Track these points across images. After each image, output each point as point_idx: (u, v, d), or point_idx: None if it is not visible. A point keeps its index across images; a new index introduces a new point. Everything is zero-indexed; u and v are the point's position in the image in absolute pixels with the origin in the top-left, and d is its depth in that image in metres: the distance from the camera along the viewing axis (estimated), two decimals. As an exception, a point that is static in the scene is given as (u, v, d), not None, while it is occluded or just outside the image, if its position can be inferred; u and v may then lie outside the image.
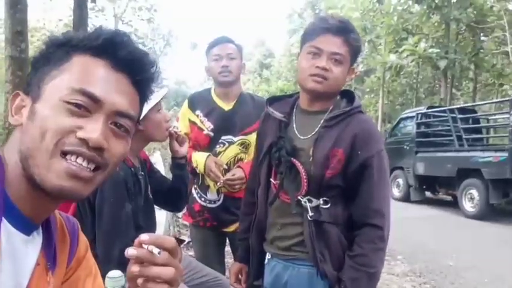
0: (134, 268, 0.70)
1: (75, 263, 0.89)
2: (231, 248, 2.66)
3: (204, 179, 2.47)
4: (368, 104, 22.76)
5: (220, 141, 2.42)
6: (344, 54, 1.54)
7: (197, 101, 2.51)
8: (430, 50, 15.74)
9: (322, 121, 1.58)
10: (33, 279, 0.76)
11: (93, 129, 0.71)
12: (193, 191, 2.52)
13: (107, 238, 1.65)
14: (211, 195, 2.46)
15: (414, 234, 6.69)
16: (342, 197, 1.57)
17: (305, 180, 1.55)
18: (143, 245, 0.70)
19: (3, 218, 0.69)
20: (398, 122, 11.23)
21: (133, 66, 0.78)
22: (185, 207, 2.59)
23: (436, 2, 16.18)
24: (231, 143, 2.42)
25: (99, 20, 27.07)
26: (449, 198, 10.43)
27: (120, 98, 0.76)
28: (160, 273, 0.70)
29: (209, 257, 2.50)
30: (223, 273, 2.63)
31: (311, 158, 1.54)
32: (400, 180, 10.50)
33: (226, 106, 2.46)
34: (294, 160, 1.57)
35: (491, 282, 4.65)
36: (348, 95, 1.69)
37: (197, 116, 2.45)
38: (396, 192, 10.61)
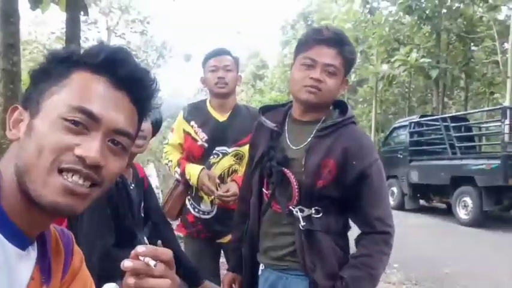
0: (130, 280, 0.69)
1: (70, 276, 0.88)
2: (226, 259, 2.65)
3: (198, 190, 2.46)
4: (361, 113, 22.89)
5: (214, 152, 2.41)
6: (338, 66, 1.54)
7: (192, 112, 2.51)
8: (422, 60, 15.93)
9: (314, 131, 1.58)
10: None
11: (91, 147, 0.71)
12: (187, 202, 2.51)
13: (86, 242, 1.63)
14: (205, 206, 2.44)
15: (409, 242, 6.68)
16: (334, 207, 1.57)
17: (296, 190, 1.54)
18: (140, 257, 0.69)
19: None
20: (392, 131, 11.31)
21: (134, 84, 0.78)
22: (179, 219, 2.59)
23: (427, 12, 16.41)
24: (225, 154, 2.41)
25: (92, 32, 27.14)
26: (443, 206, 10.45)
27: (118, 115, 0.75)
28: (157, 285, 0.70)
29: (204, 269, 2.47)
30: (219, 285, 2.61)
31: (303, 168, 1.53)
32: (395, 189, 10.54)
33: (221, 117, 2.46)
34: (285, 170, 1.56)
35: (487, 289, 4.66)
36: (341, 106, 1.69)
37: (192, 126, 2.45)
38: (391, 201, 10.60)
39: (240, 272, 1.82)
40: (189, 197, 2.51)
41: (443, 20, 16.19)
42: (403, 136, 10.54)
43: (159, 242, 1.96)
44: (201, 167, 2.38)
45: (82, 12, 6.44)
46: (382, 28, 18.56)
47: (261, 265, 1.72)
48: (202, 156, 2.43)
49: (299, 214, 1.54)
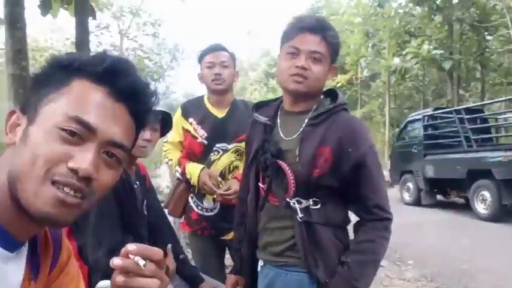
0: (119, 278, 0.69)
1: (58, 269, 0.88)
2: (231, 256, 2.62)
3: (197, 188, 2.44)
4: (374, 108, 22.66)
5: (214, 149, 2.40)
6: (323, 52, 1.53)
7: (190, 109, 2.49)
8: (434, 52, 15.66)
9: (306, 120, 1.56)
10: None
11: (84, 158, 0.70)
12: (190, 200, 2.50)
13: (94, 239, 1.65)
14: (208, 203, 2.43)
15: (426, 238, 6.56)
16: (333, 197, 1.55)
17: (292, 181, 1.51)
18: (130, 255, 0.69)
19: None
20: (406, 126, 11.12)
21: (133, 96, 0.78)
22: (183, 217, 2.57)
23: (438, 3, 16.15)
24: (225, 150, 2.40)
25: (104, 37, 27.49)
26: (461, 200, 10.24)
27: (115, 127, 0.75)
28: (146, 284, 0.70)
29: (209, 266, 2.47)
30: (224, 281, 2.58)
31: (297, 158, 1.51)
32: (410, 184, 10.36)
33: (220, 114, 2.44)
34: (280, 162, 1.54)
35: (506, 285, 4.52)
36: (332, 95, 1.67)
37: (190, 123, 2.43)
38: (407, 196, 10.47)
39: (243, 273, 1.79)
40: (191, 195, 2.50)
41: (455, 10, 15.90)
42: (417, 130, 10.34)
43: (169, 246, 1.95)
44: (201, 166, 2.37)
45: (90, 17, 6.49)
46: (392, 21, 18.33)
47: (260, 261, 1.69)
48: (202, 154, 2.42)
49: (296, 206, 1.52)
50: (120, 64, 0.77)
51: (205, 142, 2.39)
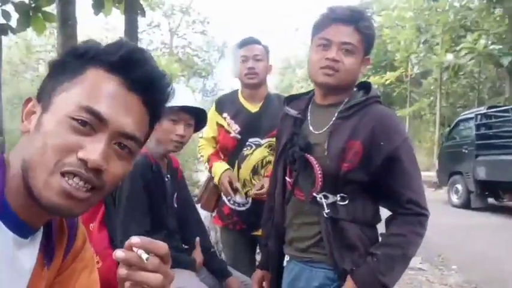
0: (122, 271, 0.68)
1: (72, 255, 0.88)
2: (260, 250, 2.65)
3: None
4: (424, 107, 21.86)
5: (247, 143, 2.42)
6: (355, 43, 1.48)
7: (224, 104, 2.52)
8: (492, 47, 14.86)
9: (336, 113, 1.52)
10: (32, 279, 0.77)
11: (94, 149, 0.70)
12: (222, 194, 2.54)
13: (122, 229, 1.72)
14: (240, 198, 2.46)
15: (473, 243, 6.29)
16: (362, 193, 1.51)
17: (320, 175, 1.48)
18: (134, 248, 0.68)
19: (0, 221, 0.70)
20: (456, 125, 10.68)
21: (147, 86, 0.76)
22: (215, 211, 2.62)
23: (498, -5, 15.30)
24: (258, 145, 2.41)
25: (155, 35, 28.27)
26: (516, 204, 9.72)
27: (127, 118, 0.74)
28: (148, 279, 0.68)
29: (239, 261, 2.50)
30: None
31: (326, 152, 1.48)
32: (459, 186, 9.93)
33: (253, 108, 2.46)
34: (307, 155, 1.51)
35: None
36: (365, 87, 1.62)
37: (224, 118, 2.46)
38: (455, 198, 10.06)
39: (269, 269, 1.79)
40: None
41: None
42: (469, 129, 9.90)
43: (197, 239, 2.01)
44: (226, 167, 2.41)
45: (140, 15, 6.72)
46: (446, 15, 17.55)
47: (286, 257, 1.68)
48: (235, 148, 2.44)
49: (323, 201, 1.49)
50: (135, 54, 0.76)
51: (238, 137, 2.41)
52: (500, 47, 15.12)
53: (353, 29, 1.47)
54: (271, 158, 2.42)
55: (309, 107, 1.65)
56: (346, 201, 1.48)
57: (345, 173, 1.46)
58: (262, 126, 2.40)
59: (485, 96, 21.95)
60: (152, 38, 27.85)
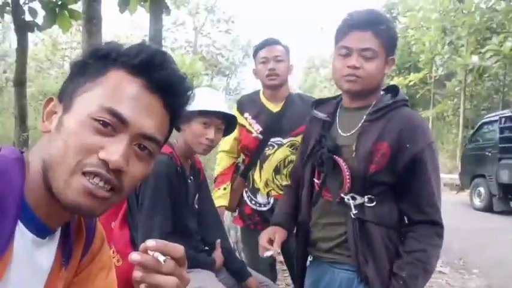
0: (137, 273, 0.67)
1: (90, 256, 0.88)
2: (281, 250, 2.66)
3: (255, 182, 2.50)
4: (447, 109, 21.49)
5: (269, 143, 2.43)
6: (375, 48, 1.49)
7: (246, 104, 2.54)
8: (518, 49, 14.54)
9: (364, 116, 1.54)
10: (49, 278, 0.77)
11: (115, 150, 0.71)
12: (244, 194, 2.56)
13: (144, 228, 1.74)
14: (262, 198, 2.47)
15: (495, 246, 6.18)
16: (390, 196, 1.52)
17: (348, 177, 1.50)
18: (149, 252, 0.67)
19: (18, 221, 0.70)
20: (480, 127, 10.48)
21: (168, 89, 0.77)
22: (237, 211, 2.64)
23: (525, -3, 14.95)
24: (280, 145, 2.42)
25: (180, 33, 28.47)
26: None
27: (148, 120, 0.74)
28: (163, 282, 0.67)
29: (258, 262, 2.51)
30: (274, 277, 2.63)
31: (354, 154, 1.50)
32: (482, 189, 9.75)
33: (275, 108, 2.47)
34: (336, 157, 1.53)
35: None
36: (393, 90, 1.64)
37: (245, 118, 2.48)
38: (477, 201, 9.87)
39: (284, 226, 1.74)
40: (246, 189, 2.55)
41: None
42: (493, 132, 9.71)
43: (218, 241, 2.01)
44: (223, 203, 2.48)
45: (165, 14, 6.81)
46: (472, 16, 17.21)
47: (309, 257, 1.70)
48: (257, 148, 2.45)
49: (351, 202, 1.51)
50: (157, 56, 0.76)
51: (260, 137, 2.43)
52: (527, 49, 14.77)
53: (371, 34, 1.48)
54: (293, 157, 2.42)
55: (337, 110, 1.67)
56: (374, 203, 1.50)
57: (372, 174, 1.47)
58: (284, 125, 2.41)
59: (510, 99, 21.43)
60: (177, 36, 28.15)
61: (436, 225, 1.47)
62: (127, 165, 0.72)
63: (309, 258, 1.70)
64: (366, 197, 1.50)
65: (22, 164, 0.74)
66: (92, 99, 0.72)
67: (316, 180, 1.66)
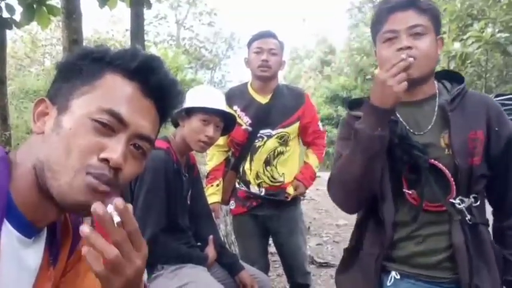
0: (85, 228, 0.64)
1: (76, 256, 0.89)
2: (273, 241, 2.67)
3: (245, 174, 2.50)
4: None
5: (258, 135, 2.44)
6: (423, 23, 1.32)
7: (234, 97, 2.54)
8: (498, 35, 14.73)
9: (436, 108, 1.37)
10: (38, 278, 0.77)
11: (115, 149, 0.73)
12: (237, 185, 2.59)
13: (138, 223, 1.71)
14: (254, 188, 2.49)
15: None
16: (483, 192, 1.40)
17: (452, 179, 1.31)
18: (108, 208, 0.64)
19: (5, 219, 0.70)
20: (464, 113, 10.62)
21: (161, 93, 0.81)
22: (232, 202, 2.64)
23: (505, -17, 15.13)
24: (269, 136, 2.43)
25: (162, 27, 28.19)
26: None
27: (144, 121, 0.78)
28: (104, 248, 0.63)
29: (252, 249, 2.53)
30: (266, 266, 2.64)
31: (447, 150, 1.33)
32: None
33: (263, 99, 2.47)
34: (433, 161, 1.32)
35: None
36: (443, 76, 1.50)
37: (235, 111, 2.47)
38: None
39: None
40: (238, 180, 2.58)
41: (524, -10, 14.84)
42: (477, 118, 9.85)
43: (211, 236, 2.02)
44: (216, 200, 2.52)
45: (146, 8, 6.71)
46: (453, 3, 17.40)
47: (393, 273, 1.40)
48: (247, 141, 2.46)
49: (462, 206, 1.32)
50: (152, 62, 0.79)
51: (250, 129, 2.44)
52: (507, 35, 14.96)
53: (416, 11, 1.33)
54: (283, 148, 2.44)
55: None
56: (478, 202, 1.36)
57: (476, 169, 1.33)
58: (273, 117, 2.42)
59: (492, 84, 21.78)
60: (159, 30, 27.82)
61: None
62: (124, 164, 0.74)
63: (394, 275, 1.39)
64: (471, 196, 1.34)
65: (7, 164, 0.73)
66: (91, 101, 0.74)
67: (408, 191, 1.36)
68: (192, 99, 1.89)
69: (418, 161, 1.31)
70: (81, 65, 0.78)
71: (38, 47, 17.84)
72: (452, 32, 18.45)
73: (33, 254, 0.77)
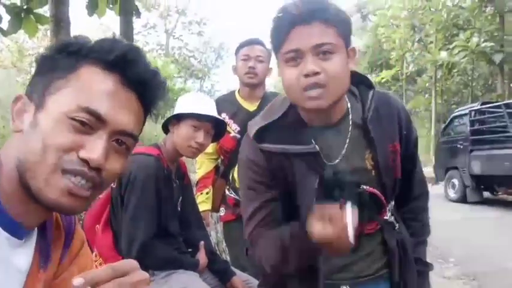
0: (77, 282, 0.59)
1: (69, 259, 0.87)
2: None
3: (235, 182, 2.48)
4: (419, 104, 22.00)
5: None
6: (332, 40, 1.10)
7: (222, 104, 2.52)
8: (484, 45, 15.05)
9: (351, 128, 1.22)
10: (27, 280, 0.75)
11: (95, 148, 0.70)
12: (226, 191, 2.56)
13: (129, 230, 1.71)
14: None
15: (470, 236, 6.34)
16: None
17: (383, 198, 1.25)
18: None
19: None
20: (451, 121, 10.75)
21: (143, 84, 0.77)
22: (222, 209, 2.61)
23: (489, -6, 15.46)
24: None
25: (151, 36, 28.18)
26: (510, 198, 9.80)
27: (125, 117, 0.74)
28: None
29: (242, 256, 2.50)
30: (257, 273, 2.62)
31: (373, 172, 1.22)
32: (455, 181, 9.98)
33: (251, 107, 2.47)
34: (369, 188, 1.19)
35: (555, 285, 4.31)
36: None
37: (223, 119, 2.46)
38: (452, 193, 10.10)
39: None
40: (228, 187, 2.55)
41: (507, 0, 15.15)
42: (464, 125, 9.96)
43: (202, 242, 2.00)
44: (207, 208, 2.48)
45: (135, 16, 6.71)
46: (440, 14, 17.71)
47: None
48: (236, 148, 2.43)
49: (393, 219, 1.32)
50: (130, 52, 0.75)
51: (238, 136, 2.41)
52: (492, 44, 15.29)
53: (320, 25, 1.10)
54: None
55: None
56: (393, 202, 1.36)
57: (399, 180, 1.29)
58: None
59: (478, 92, 22.13)
60: (148, 40, 27.85)
61: (427, 194, 1.48)
62: (106, 161, 0.72)
63: None
64: (391, 204, 1.33)
65: None
66: (68, 97, 0.71)
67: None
68: (182, 105, 1.90)
69: (355, 192, 1.08)
70: (58, 59, 0.74)
71: (25, 56, 17.70)
72: (439, 42, 18.78)
73: (24, 255, 0.75)
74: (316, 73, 1.08)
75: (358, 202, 1.06)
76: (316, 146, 1.18)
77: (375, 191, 1.21)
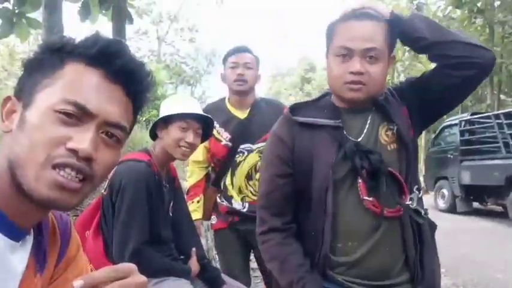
0: (77, 284, 0.65)
1: (65, 263, 0.87)
2: (254, 256, 2.65)
3: (227, 190, 2.48)
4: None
5: (239, 150, 2.42)
6: (379, 47, 1.29)
7: (212, 112, 2.49)
8: (474, 55, 15.23)
9: (371, 113, 1.40)
10: (22, 284, 0.75)
11: (83, 139, 0.70)
12: (218, 200, 2.54)
13: (120, 237, 1.70)
14: (237, 204, 2.46)
15: (459, 246, 6.36)
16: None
17: (403, 182, 1.35)
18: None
19: None
20: (441, 131, 10.85)
21: (129, 76, 0.77)
22: (213, 218, 2.60)
23: (479, 5, 15.66)
24: (250, 151, 2.42)
25: (143, 42, 28.16)
26: (499, 208, 9.87)
27: (112, 108, 0.75)
28: None
29: (234, 265, 2.50)
30: (248, 281, 2.61)
31: (389, 147, 1.37)
32: (445, 191, 10.08)
33: (242, 114, 2.47)
34: (390, 169, 1.33)
35: (543, 296, 4.34)
36: None
37: (214, 127, 2.46)
38: (441, 203, 10.19)
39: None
40: (219, 195, 2.53)
41: (496, 12, 15.40)
42: (453, 135, 10.07)
43: (193, 249, 1.99)
44: (198, 217, 2.48)
45: (127, 22, 6.70)
46: (431, 24, 17.93)
47: None
48: (227, 156, 2.44)
49: (415, 205, 1.36)
50: (113, 45, 0.76)
51: (230, 144, 2.41)
52: (482, 55, 15.45)
53: (372, 26, 1.30)
54: None
55: (338, 113, 1.40)
56: (421, 193, 1.41)
57: (412, 143, 1.39)
58: (252, 132, 2.41)
59: (468, 103, 22.31)
60: (140, 45, 27.82)
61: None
62: (96, 153, 0.72)
63: None
64: (415, 189, 1.37)
65: None
66: (54, 93, 0.71)
67: (367, 199, 1.31)
68: (168, 108, 1.90)
69: (378, 166, 1.29)
70: (43, 59, 0.75)
71: (16, 59, 17.57)
72: (430, 52, 18.98)
73: (20, 258, 0.75)
74: (361, 73, 1.28)
75: (377, 176, 1.29)
76: (341, 123, 1.35)
77: (394, 171, 1.32)
